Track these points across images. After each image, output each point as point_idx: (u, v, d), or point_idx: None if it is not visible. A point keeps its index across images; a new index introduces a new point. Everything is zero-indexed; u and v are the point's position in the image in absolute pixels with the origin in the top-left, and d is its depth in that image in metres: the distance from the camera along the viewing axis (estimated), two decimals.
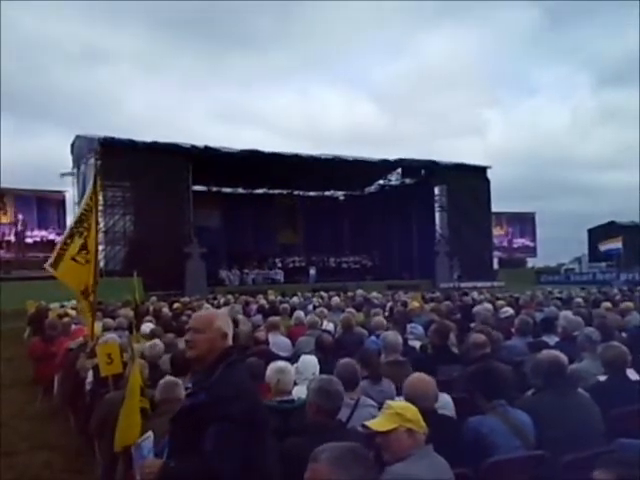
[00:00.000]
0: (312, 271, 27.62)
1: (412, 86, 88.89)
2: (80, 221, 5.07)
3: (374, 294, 13.81)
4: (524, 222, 39.21)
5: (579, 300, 9.67)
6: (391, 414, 2.04)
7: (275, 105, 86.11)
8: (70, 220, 24.52)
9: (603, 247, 35.59)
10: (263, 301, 11.32)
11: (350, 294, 13.83)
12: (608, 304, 8.27)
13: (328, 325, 6.85)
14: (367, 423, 2.11)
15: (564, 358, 3.00)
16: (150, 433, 2.24)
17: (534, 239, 39.18)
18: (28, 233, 25.64)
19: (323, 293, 13.77)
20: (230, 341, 2.09)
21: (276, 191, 32.94)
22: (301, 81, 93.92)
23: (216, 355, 2.02)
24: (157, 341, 4.70)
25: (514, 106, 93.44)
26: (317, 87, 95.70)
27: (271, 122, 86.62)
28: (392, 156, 28.65)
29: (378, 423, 2.06)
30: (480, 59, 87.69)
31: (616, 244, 35.00)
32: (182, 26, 78.06)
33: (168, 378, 3.25)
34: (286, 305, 9.17)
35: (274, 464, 2.08)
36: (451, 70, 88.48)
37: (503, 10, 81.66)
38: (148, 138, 23.95)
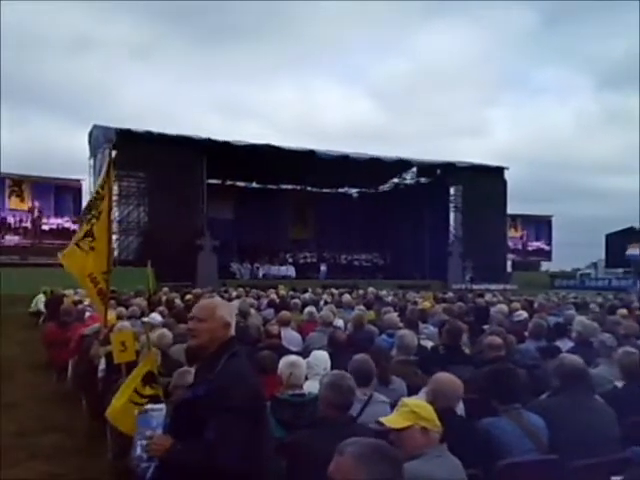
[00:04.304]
0: (323, 267, 27.60)
1: (411, 84, 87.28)
2: (89, 208, 4.95)
3: (384, 293, 13.75)
4: (540, 225, 38.65)
5: (594, 306, 9.52)
6: (406, 412, 2.03)
7: (272, 100, 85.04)
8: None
9: (629, 252, 34.71)
10: (274, 296, 11.35)
11: (361, 292, 13.79)
12: (624, 311, 8.13)
13: (338, 322, 6.84)
14: (382, 419, 2.10)
15: (583, 363, 2.96)
16: (163, 405, 2.21)
17: (550, 242, 38.63)
18: (44, 220, 25.99)
19: (334, 290, 13.74)
20: (233, 331, 2.07)
21: (289, 186, 32.91)
22: (298, 76, 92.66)
23: (218, 345, 2.00)
24: (165, 330, 4.74)
25: (520, 106, 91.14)
26: (314, 83, 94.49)
27: (267, 117, 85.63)
28: (391, 154, 28.42)
29: (393, 420, 2.05)
30: (480, 58, 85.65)
31: (634, 250, 34.33)
32: (177, 18, 76.97)
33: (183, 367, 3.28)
34: (297, 300, 9.18)
35: (272, 454, 2.10)
36: (452, 69, 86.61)
37: (501, 10, 79.71)
38: (145, 128, 23.90)
